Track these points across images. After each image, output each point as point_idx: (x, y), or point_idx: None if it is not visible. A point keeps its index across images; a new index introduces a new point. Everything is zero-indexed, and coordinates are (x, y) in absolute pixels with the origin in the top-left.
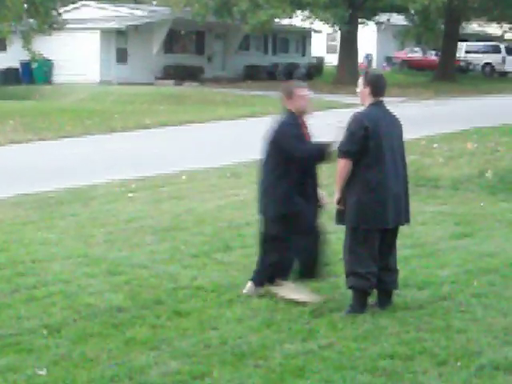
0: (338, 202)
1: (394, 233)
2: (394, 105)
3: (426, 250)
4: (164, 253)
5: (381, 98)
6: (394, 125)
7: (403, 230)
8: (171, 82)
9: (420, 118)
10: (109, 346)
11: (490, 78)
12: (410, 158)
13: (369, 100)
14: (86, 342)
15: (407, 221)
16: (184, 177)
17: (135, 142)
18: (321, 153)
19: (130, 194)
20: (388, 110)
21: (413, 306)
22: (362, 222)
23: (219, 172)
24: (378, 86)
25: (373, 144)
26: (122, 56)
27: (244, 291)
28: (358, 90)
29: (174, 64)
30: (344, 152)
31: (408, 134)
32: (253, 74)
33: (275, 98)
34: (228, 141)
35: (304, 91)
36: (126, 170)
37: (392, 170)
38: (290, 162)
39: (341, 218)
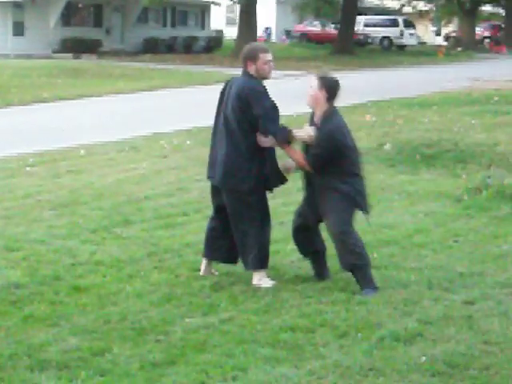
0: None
1: None
2: (293, 78)
3: None
4: (62, 228)
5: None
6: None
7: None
8: (69, 55)
9: None
10: (7, 323)
11: (388, 52)
12: None
13: (324, 106)
14: None
15: None
16: (82, 151)
17: (32, 116)
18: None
19: (28, 169)
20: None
21: (313, 279)
22: None
23: (118, 146)
24: (336, 92)
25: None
26: (18, 29)
27: (256, 283)
28: (312, 92)
29: (72, 37)
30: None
31: (305, 108)
32: (152, 47)
33: (174, 71)
34: (127, 114)
35: (269, 56)
36: (23, 145)
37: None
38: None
39: None
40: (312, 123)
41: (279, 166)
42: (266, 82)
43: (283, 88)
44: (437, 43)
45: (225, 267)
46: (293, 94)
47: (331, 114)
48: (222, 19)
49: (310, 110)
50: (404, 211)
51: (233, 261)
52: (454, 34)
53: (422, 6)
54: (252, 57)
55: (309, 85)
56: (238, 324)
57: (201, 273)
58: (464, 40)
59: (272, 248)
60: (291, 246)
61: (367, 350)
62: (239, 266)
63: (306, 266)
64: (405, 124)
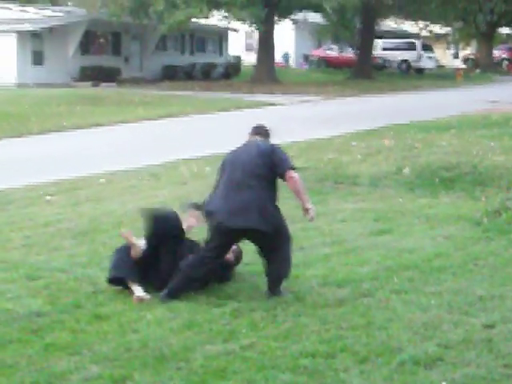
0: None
1: None
2: (312, 103)
3: (346, 247)
4: (83, 256)
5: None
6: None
7: (323, 227)
8: (88, 83)
9: (337, 115)
10: (28, 351)
11: (407, 75)
12: (328, 156)
13: None
14: (4, 349)
15: None
16: (102, 179)
17: (52, 144)
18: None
19: (48, 197)
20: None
21: (333, 304)
22: None
23: (138, 173)
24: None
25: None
26: (38, 58)
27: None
28: None
29: (91, 65)
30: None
31: (326, 132)
32: (170, 74)
33: (193, 97)
34: (146, 142)
35: None
36: (42, 173)
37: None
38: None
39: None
40: None
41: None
42: (283, 108)
43: (302, 113)
44: (455, 66)
45: (246, 293)
46: (312, 120)
47: None
48: (240, 45)
49: (329, 134)
50: (423, 235)
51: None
52: (472, 57)
53: (438, 30)
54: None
55: None
56: (259, 350)
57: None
58: (482, 62)
59: (292, 273)
60: (311, 271)
61: (388, 375)
62: (258, 293)
63: (326, 292)
64: (423, 147)
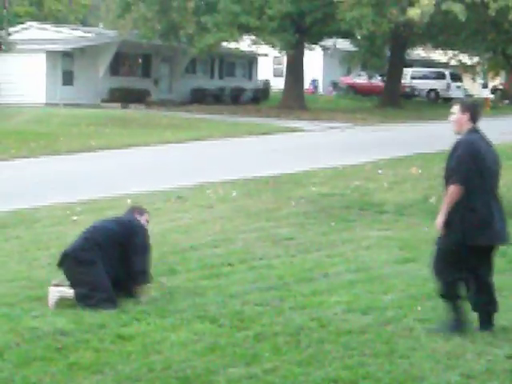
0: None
1: None
2: (339, 130)
3: (371, 274)
4: None
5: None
6: (491, 151)
7: (347, 254)
8: (117, 104)
9: (365, 143)
10: (52, 369)
11: (435, 104)
12: (354, 183)
13: (467, 126)
14: (28, 366)
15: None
16: (129, 200)
17: (80, 164)
18: None
19: (75, 217)
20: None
21: (356, 331)
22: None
23: (164, 195)
24: (476, 112)
25: (481, 169)
26: (68, 78)
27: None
28: (454, 117)
29: (121, 87)
30: (460, 179)
31: (353, 159)
32: (199, 98)
33: (221, 121)
34: (174, 164)
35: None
36: (70, 193)
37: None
38: None
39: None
40: None
41: None
42: (310, 134)
43: (329, 140)
44: (484, 96)
45: (268, 317)
46: (339, 147)
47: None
48: (269, 70)
49: (356, 161)
50: None
51: None
52: (500, 87)
53: (468, 60)
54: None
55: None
56: (281, 375)
57: None
58: (511, 93)
59: (316, 299)
60: (335, 297)
61: None
62: (281, 317)
63: (349, 318)
64: None
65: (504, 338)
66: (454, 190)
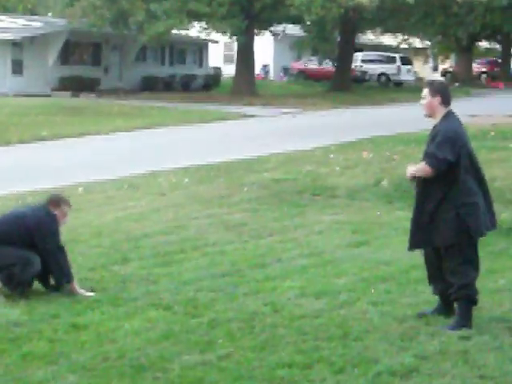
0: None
1: None
2: (291, 115)
3: (324, 258)
4: None
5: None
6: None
7: (300, 239)
8: (68, 93)
9: (316, 127)
10: (6, 361)
11: (386, 88)
12: (306, 168)
13: (441, 110)
14: None
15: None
16: (81, 189)
17: (31, 154)
18: None
19: None
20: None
21: (310, 315)
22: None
23: (116, 184)
24: (448, 94)
25: (465, 156)
26: (17, 67)
27: None
28: (424, 101)
29: (71, 75)
30: (433, 163)
31: (304, 144)
32: (150, 85)
33: (172, 109)
34: (125, 152)
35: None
36: (21, 183)
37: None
38: None
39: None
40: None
41: None
42: (262, 120)
43: (281, 125)
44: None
45: (222, 304)
46: (291, 132)
47: (447, 116)
48: (220, 57)
49: (307, 146)
50: (401, 247)
51: None
52: (451, 70)
53: (418, 43)
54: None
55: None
56: (236, 361)
57: None
58: (461, 76)
59: (269, 285)
60: (288, 282)
61: None
62: (234, 304)
63: (303, 303)
64: (402, 160)
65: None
66: (426, 168)
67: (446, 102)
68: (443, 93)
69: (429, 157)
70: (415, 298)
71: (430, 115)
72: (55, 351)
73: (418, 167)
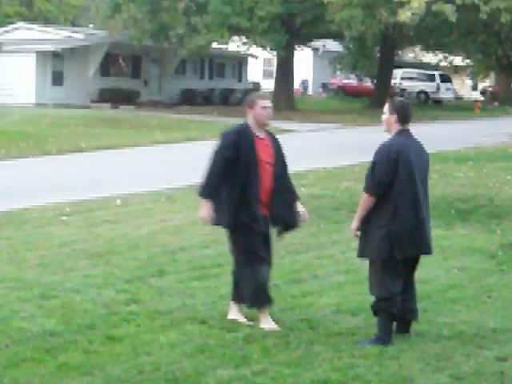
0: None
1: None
2: (329, 131)
3: (360, 275)
4: (97, 277)
5: (407, 127)
6: (421, 153)
7: (337, 255)
8: (107, 105)
9: (355, 144)
10: (41, 371)
11: (425, 106)
12: (344, 185)
13: (395, 128)
14: (17, 367)
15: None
16: (118, 201)
17: (69, 165)
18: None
19: (64, 218)
20: (415, 138)
21: (346, 332)
22: (397, 251)
23: (154, 196)
24: (405, 113)
25: (403, 173)
26: (57, 78)
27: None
28: (384, 116)
29: (110, 87)
30: (372, 187)
31: (343, 160)
32: (189, 99)
33: (211, 122)
34: (163, 165)
35: (266, 103)
36: (59, 194)
37: (422, 198)
38: None
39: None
40: None
41: None
42: (300, 135)
43: (319, 141)
44: (473, 98)
45: (259, 320)
46: (329, 148)
47: (397, 134)
48: (259, 72)
49: (346, 163)
50: (438, 266)
51: None
52: (490, 89)
53: (458, 61)
54: (249, 103)
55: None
56: (271, 376)
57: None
58: (501, 95)
59: (305, 301)
60: (324, 299)
61: None
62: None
63: (339, 320)
64: (440, 179)
65: (493, 339)
66: (363, 198)
67: (401, 120)
68: (399, 111)
69: (365, 181)
70: (451, 318)
71: (387, 131)
72: (90, 362)
73: (355, 217)
